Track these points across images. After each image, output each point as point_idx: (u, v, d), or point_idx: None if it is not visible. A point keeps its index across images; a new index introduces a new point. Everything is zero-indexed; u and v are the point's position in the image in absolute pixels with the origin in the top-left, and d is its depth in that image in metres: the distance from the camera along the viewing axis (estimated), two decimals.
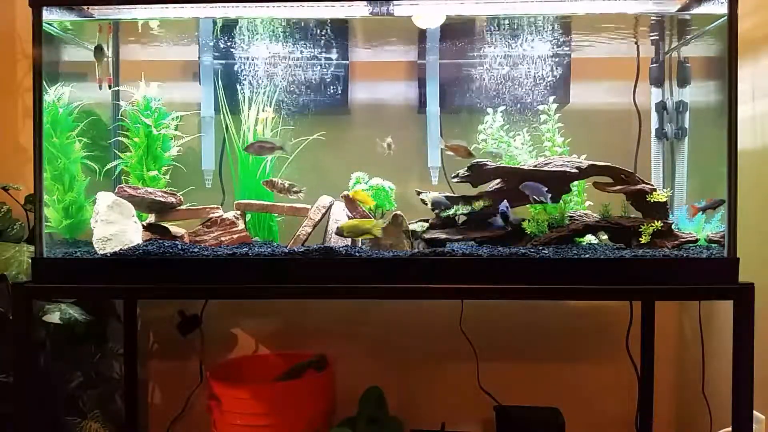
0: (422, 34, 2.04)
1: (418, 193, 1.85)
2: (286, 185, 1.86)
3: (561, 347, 2.28)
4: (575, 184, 1.82)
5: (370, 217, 1.84)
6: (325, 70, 2.09)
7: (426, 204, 1.83)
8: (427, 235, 1.77)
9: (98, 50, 1.87)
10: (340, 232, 1.71)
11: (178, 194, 1.88)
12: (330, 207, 1.89)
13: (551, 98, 1.89)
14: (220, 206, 1.90)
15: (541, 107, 1.87)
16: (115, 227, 1.69)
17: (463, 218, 1.83)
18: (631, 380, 2.18)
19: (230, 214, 1.86)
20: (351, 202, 1.84)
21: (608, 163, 1.75)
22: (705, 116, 2.00)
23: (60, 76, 1.94)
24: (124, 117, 1.99)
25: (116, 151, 2.04)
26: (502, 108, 1.90)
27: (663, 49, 2.08)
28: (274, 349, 2.34)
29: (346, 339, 2.30)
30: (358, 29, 2.05)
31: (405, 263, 1.60)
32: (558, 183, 1.74)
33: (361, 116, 2.25)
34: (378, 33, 2.09)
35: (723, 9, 1.54)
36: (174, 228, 1.86)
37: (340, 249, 1.65)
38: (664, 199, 1.71)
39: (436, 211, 1.80)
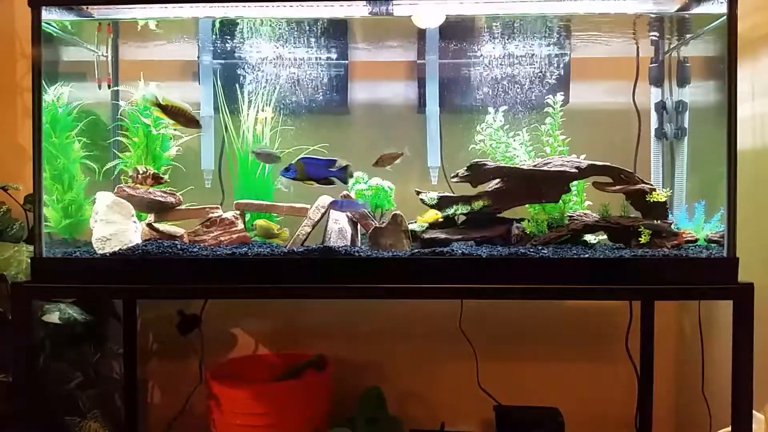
0: (422, 34, 2.04)
1: (418, 193, 1.85)
2: (150, 173, 1.78)
3: (561, 347, 2.28)
4: (575, 184, 1.81)
5: (370, 217, 1.84)
6: (324, 69, 2.09)
7: (426, 203, 1.82)
8: (426, 235, 1.76)
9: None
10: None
11: (178, 194, 1.88)
12: (330, 207, 1.89)
13: (551, 97, 1.88)
14: (219, 206, 1.90)
15: (546, 100, 1.86)
16: (115, 227, 1.69)
17: (462, 218, 1.83)
18: (630, 380, 2.18)
19: (230, 214, 1.86)
20: None
21: (608, 163, 1.75)
22: (705, 116, 2.00)
23: (59, 76, 1.94)
24: (124, 117, 1.99)
25: (115, 151, 2.04)
26: (502, 108, 1.89)
27: (663, 48, 2.08)
28: (274, 349, 2.34)
29: (346, 339, 2.30)
30: (357, 29, 2.05)
31: (405, 263, 1.60)
32: (557, 183, 1.74)
33: (361, 116, 2.25)
34: (378, 33, 2.08)
35: (723, 9, 1.54)
36: (173, 228, 1.86)
37: (340, 249, 1.65)
38: (664, 199, 1.71)
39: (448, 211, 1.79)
